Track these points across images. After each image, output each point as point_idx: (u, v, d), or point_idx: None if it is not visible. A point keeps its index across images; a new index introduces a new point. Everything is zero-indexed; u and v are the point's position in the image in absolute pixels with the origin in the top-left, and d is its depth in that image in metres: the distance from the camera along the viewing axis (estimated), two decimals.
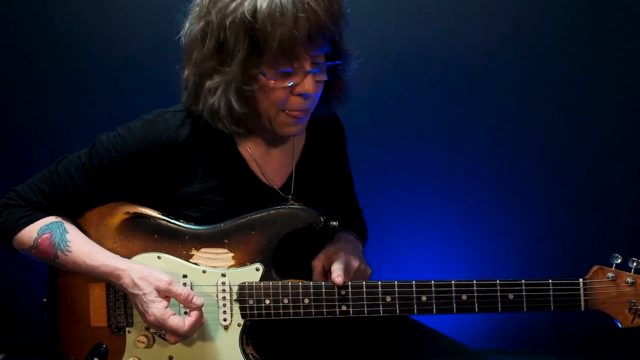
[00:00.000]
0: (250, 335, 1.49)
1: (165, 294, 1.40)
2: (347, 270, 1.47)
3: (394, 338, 1.61)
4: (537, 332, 2.74)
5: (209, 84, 1.36)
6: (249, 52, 1.30)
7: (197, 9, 1.38)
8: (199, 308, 1.41)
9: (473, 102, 2.59)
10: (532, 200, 2.60)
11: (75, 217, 1.54)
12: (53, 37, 2.68)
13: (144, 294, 1.39)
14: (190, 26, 1.39)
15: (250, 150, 1.52)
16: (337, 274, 1.43)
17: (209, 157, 1.47)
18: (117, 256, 1.46)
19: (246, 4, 1.26)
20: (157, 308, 1.38)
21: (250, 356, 1.46)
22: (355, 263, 1.52)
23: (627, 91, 2.50)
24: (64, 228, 1.48)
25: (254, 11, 1.25)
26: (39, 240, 1.47)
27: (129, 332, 1.50)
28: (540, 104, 2.55)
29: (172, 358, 1.48)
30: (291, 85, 1.34)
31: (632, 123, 2.52)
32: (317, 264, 1.53)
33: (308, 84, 1.35)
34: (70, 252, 1.46)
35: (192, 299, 1.40)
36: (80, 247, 1.46)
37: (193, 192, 1.47)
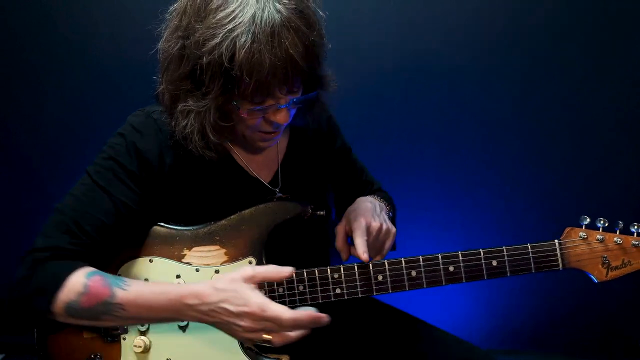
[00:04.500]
0: None
1: (257, 282, 1.31)
2: (368, 232, 1.47)
3: (401, 340, 1.63)
4: (540, 332, 2.80)
5: (181, 106, 1.36)
6: (222, 90, 1.31)
7: (176, 22, 1.35)
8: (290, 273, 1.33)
9: (472, 103, 2.65)
10: (531, 200, 2.67)
11: None
12: (53, 37, 2.69)
13: (235, 290, 1.28)
14: (168, 41, 1.37)
15: (235, 149, 1.55)
16: (363, 250, 1.42)
17: (196, 156, 1.46)
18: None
19: (224, 48, 1.24)
20: (255, 295, 1.27)
21: (250, 351, 1.46)
22: (375, 224, 1.49)
23: (627, 91, 2.58)
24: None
25: (232, 57, 1.24)
26: (90, 283, 1.33)
27: (124, 338, 1.48)
28: (538, 104, 2.63)
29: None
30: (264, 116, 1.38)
31: (632, 123, 2.60)
32: (340, 229, 1.53)
33: (280, 117, 1.38)
34: (129, 285, 1.35)
35: (282, 270, 1.32)
36: (137, 281, 1.39)
37: (181, 192, 1.48)
